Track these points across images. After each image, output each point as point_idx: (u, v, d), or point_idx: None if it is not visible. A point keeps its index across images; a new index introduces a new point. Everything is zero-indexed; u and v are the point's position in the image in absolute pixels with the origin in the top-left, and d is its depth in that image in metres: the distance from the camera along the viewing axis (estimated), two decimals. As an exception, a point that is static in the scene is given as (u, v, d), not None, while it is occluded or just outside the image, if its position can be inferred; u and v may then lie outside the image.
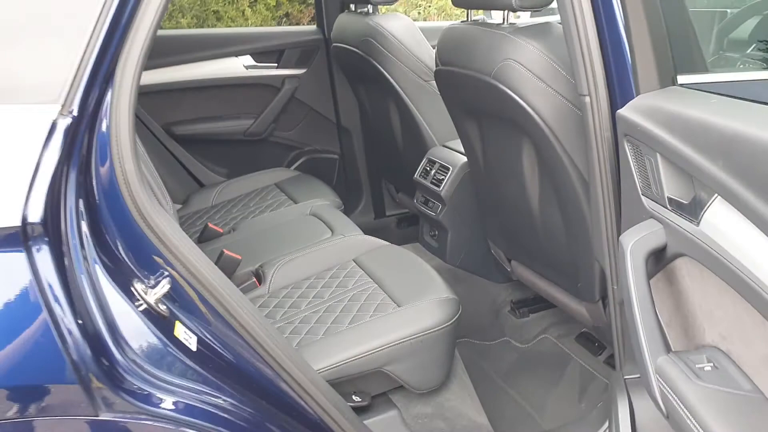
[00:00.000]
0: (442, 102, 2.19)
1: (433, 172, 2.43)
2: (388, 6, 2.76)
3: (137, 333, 1.18)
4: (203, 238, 2.39)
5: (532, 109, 1.67)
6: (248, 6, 6.05)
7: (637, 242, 1.26)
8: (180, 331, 1.25)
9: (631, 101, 1.37)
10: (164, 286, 1.23)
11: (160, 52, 2.94)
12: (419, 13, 7.19)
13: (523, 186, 1.93)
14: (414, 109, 2.55)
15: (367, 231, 2.29)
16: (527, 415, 2.00)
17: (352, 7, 2.82)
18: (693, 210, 1.17)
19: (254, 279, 2.05)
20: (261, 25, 6.08)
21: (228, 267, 2.07)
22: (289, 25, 6.27)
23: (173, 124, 2.96)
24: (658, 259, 1.31)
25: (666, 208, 1.24)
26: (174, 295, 1.28)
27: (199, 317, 1.31)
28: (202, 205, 2.78)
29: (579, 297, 1.93)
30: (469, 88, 1.90)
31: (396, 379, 1.68)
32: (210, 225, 2.40)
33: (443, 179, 2.37)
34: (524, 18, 2.47)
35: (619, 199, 1.50)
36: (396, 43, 2.49)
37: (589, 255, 1.75)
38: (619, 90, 1.44)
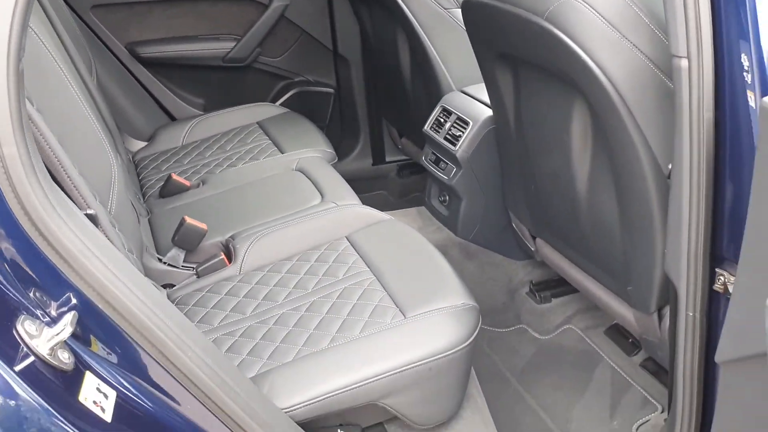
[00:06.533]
0: (466, 36, 1.74)
1: (447, 125, 1.99)
2: None
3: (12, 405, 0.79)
4: (165, 192, 1.98)
5: (597, 65, 1.25)
6: None
7: None
8: (89, 389, 0.86)
9: None
10: (66, 325, 0.83)
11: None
12: None
13: (568, 159, 1.51)
14: (428, 42, 2.09)
15: (363, 178, 1.90)
16: (548, 432, 1.66)
17: None
18: None
19: (222, 255, 1.65)
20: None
21: (191, 239, 1.67)
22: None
23: (139, 44, 2.49)
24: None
25: None
26: (82, 333, 0.88)
27: (126, 364, 0.92)
28: (171, 144, 2.36)
29: (626, 300, 1.55)
30: (509, 29, 1.45)
31: (394, 412, 1.31)
32: (173, 176, 1.98)
33: (460, 136, 1.93)
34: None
35: (714, 207, 1.10)
36: None
37: (651, 260, 1.36)
38: (728, 56, 1.01)
